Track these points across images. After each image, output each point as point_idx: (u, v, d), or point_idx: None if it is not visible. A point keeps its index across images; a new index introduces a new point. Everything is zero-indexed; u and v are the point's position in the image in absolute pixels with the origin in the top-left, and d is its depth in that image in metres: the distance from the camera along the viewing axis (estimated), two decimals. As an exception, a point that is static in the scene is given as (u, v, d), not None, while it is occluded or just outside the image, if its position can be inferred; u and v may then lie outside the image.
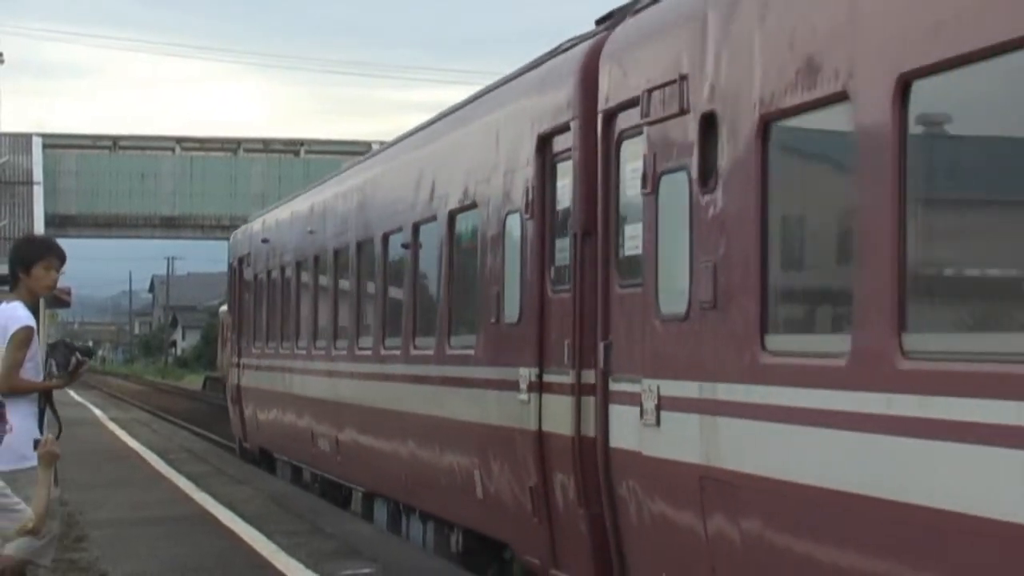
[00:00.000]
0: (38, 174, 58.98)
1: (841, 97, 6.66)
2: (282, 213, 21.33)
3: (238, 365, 23.79)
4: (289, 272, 20.01)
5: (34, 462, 7.79)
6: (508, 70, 10.25)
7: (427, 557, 12.90)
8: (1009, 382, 5.50)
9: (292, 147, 63.54)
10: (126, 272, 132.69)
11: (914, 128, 6.30)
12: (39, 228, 54.89)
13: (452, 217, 12.24)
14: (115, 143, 63.33)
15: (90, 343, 8.47)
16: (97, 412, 41.06)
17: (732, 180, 7.65)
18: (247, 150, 63.48)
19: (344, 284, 16.72)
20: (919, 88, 6.25)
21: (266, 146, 64.08)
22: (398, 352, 14.02)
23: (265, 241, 21.56)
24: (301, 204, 19.98)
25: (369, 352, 15.18)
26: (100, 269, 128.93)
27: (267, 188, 57.80)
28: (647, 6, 9.07)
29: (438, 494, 12.77)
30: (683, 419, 7.97)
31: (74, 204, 60.69)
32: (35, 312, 9.17)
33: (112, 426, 32.51)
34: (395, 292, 14.32)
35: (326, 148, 62.67)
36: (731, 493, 7.52)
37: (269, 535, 14.41)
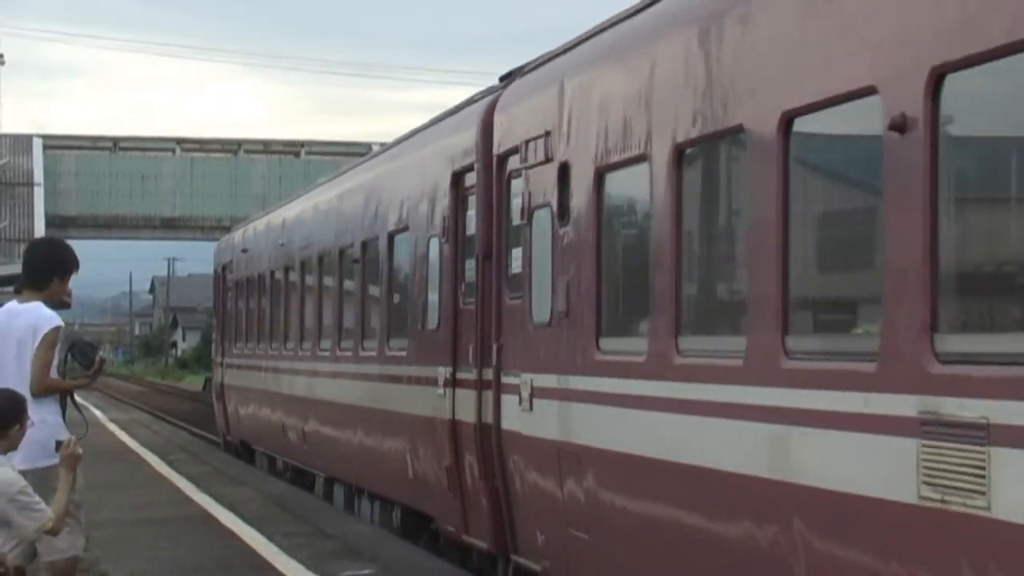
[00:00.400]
0: (39, 175, 60.65)
1: (642, 158, 8.95)
2: (259, 225, 23.79)
3: (221, 364, 26.40)
4: (264, 280, 22.45)
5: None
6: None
7: (427, 557, 13.38)
8: (733, 373, 7.77)
9: (292, 148, 65.27)
10: (126, 273, 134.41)
11: (688, 183, 8.59)
12: (39, 229, 56.54)
13: (391, 237, 14.65)
14: (115, 144, 64.67)
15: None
16: (97, 413, 41.07)
17: (579, 217, 9.95)
18: (248, 151, 65.04)
19: (309, 292, 19.07)
20: (691, 154, 8.52)
21: (267, 147, 65.67)
22: (350, 353, 16.48)
23: (244, 251, 24.13)
24: (275, 218, 22.42)
25: (328, 353, 17.65)
26: (100, 270, 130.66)
27: (268, 189, 59.51)
28: (531, 70, 11.43)
29: (381, 476, 15.12)
30: (547, 404, 10.32)
31: (74, 205, 62.02)
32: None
33: (112, 427, 32.84)
34: (349, 300, 16.73)
35: (326, 149, 64.44)
36: (577, 462, 9.85)
37: (270, 536, 14.72)
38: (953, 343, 6.16)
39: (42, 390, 8.94)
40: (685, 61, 8.37)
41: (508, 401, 11.15)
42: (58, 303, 9.13)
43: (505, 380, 11.22)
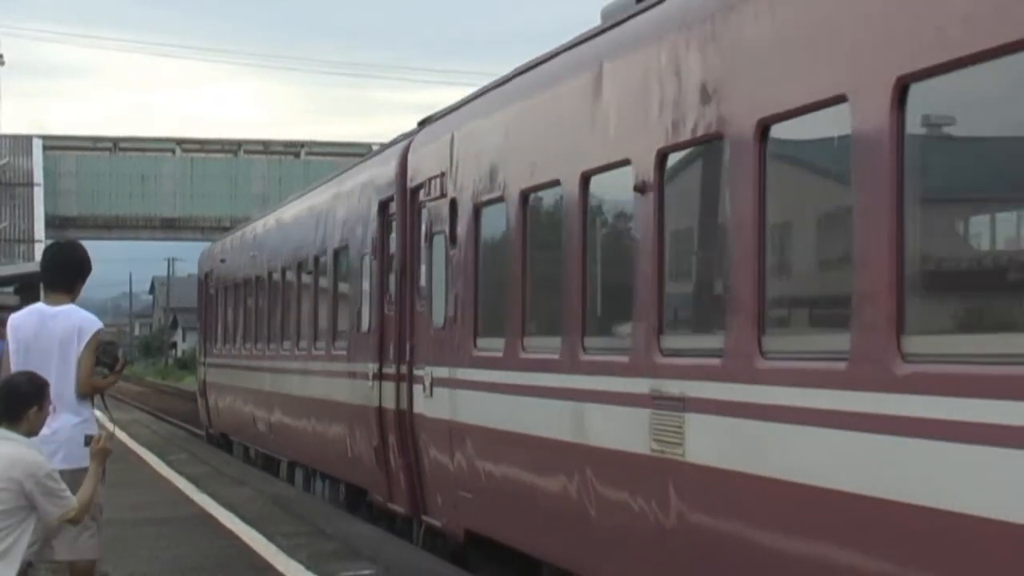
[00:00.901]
0: (38, 176, 61.98)
1: (501, 199, 11.85)
2: (236, 238, 27.21)
3: (204, 364, 29.95)
4: (239, 288, 25.89)
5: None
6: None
7: (427, 558, 13.99)
8: (553, 364, 10.64)
9: (292, 149, 67.29)
10: (126, 273, 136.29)
11: (531, 219, 11.48)
12: (40, 230, 58.80)
13: (336, 253, 17.88)
14: (115, 145, 66.43)
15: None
16: (97, 413, 45.04)
17: (463, 242, 12.88)
18: (247, 152, 66.91)
19: (275, 299, 22.28)
20: (533, 197, 11.43)
21: (266, 148, 67.65)
22: (305, 352, 19.65)
23: (223, 261, 27.62)
24: (248, 232, 25.76)
25: (289, 353, 20.84)
26: (100, 270, 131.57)
27: (267, 189, 61.55)
28: (435, 120, 14.41)
29: (329, 458, 18.27)
30: (442, 391, 13.31)
31: (74, 205, 63.39)
32: None
33: (112, 427, 34.46)
34: (305, 307, 19.88)
35: (326, 150, 66.36)
36: (461, 437, 12.79)
37: (269, 536, 15.09)
38: (669, 341, 9.05)
39: (89, 390, 9.40)
40: (527, 126, 11.34)
41: (417, 390, 14.12)
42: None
43: (416, 373, 14.20)
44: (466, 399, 12.63)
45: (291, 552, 14.01)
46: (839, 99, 6.83)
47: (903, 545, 6.46)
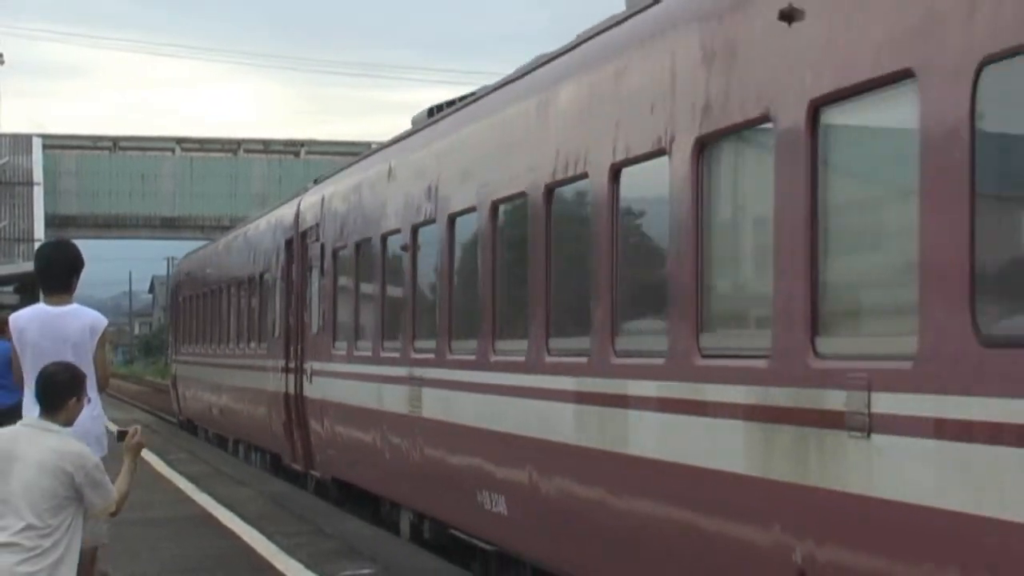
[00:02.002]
0: (38, 175, 64.70)
1: (346, 246, 18.61)
2: (199, 257, 34.42)
3: (175, 361, 37.72)
4: (199, 298, 33.16)
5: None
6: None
7: (427, 557, 15.09)
8: (370, 359, 17.28)
9: (292, 148, 70.58)
10: (126, 273, 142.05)
11: (362, 262, 18.22)
12: (39, 229, 61.22)
13: (261, 276, 24.67)
14: (115, 144, 69.46)
15: None
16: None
17: (327, 274, 19.54)
18: (247, 151, 70.07)
19: (224, 308, 29.32)
20: (365, 247, 18.18)
21: (266, 147, 70.83)
22: (242, 352, 26.54)
23: (188, 274, 35.20)
24: (210, 249, 32.86)
25: (231, 352, 27.79)
26: (100, 270, 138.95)
27: (267, 189, 64.36)
28: (318, 182, 21.26)
29: (258, 434, 25.00)
30: (317, 379, 19.80)
31: (74, 205, 66.47)
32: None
33: (112, 427, 38.72)
34: (244, 315, 26.86)
35: (326, 149, 69.36)
36: (328, 411, 19.44)
37: (269, 536, 16.15)
38: (554, 344, 14.60)
39: (106, 384, 10.06)
40: (366, 194, 17.96)
41: (306, 379, 20.81)
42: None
43: (305, 366, 20.87)
44: (329, 384, 19.11)
45: (291, 551, 14.89)
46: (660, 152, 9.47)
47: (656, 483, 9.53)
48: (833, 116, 7.79)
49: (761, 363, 8.30)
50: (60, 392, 8.37)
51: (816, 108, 7.85)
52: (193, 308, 34.38)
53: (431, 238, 14.97)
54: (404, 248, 15.57)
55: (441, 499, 14.47)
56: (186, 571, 14.24)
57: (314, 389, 19.92)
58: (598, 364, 10.51)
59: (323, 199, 19.60)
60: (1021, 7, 6.28)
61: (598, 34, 11.23)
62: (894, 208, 7.43)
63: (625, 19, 10.70)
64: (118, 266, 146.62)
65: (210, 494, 20.29)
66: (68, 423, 8.37)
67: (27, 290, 37.83)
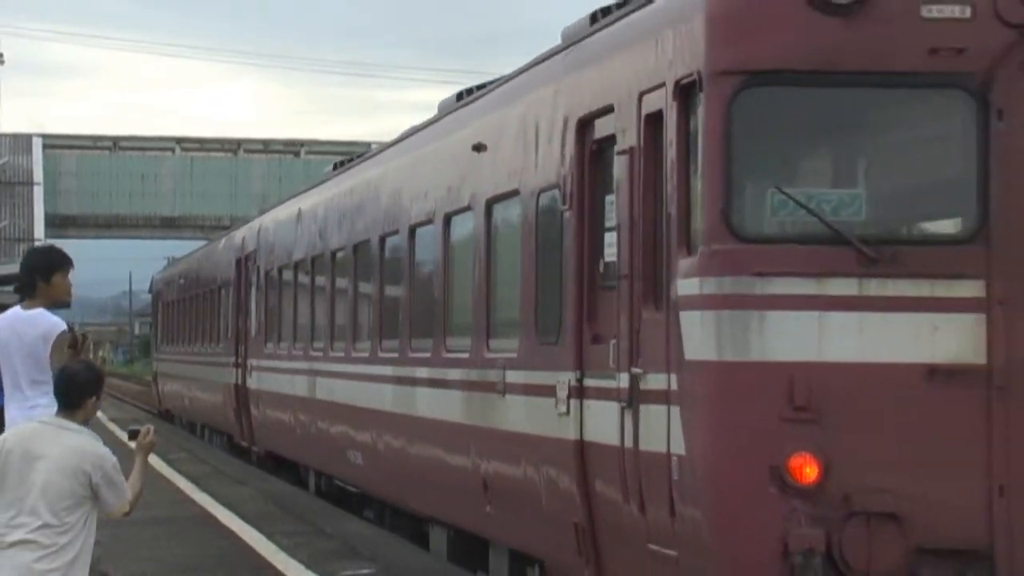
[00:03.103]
0: (38, 175, 67.58)
1: (277, 270, 24.98)
2: (176, 269, 41.40)
3: (156, 359, 44.76)
4: (173, 304, 40.43)
5: None
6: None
7: (427, 557, 15.92)
8: (282, 356, 23.67)
9: (292, 148, 73.63)
10: (126, 272, 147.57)
11: (283, 283, 24.57)
12: (39, 229, 64.04)
13: (219, 288, 31.00)
14: (115, 144, 72.62)
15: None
16: (97, 412, 56.34)
17: (261, 290, 25.75)
18: (247, 151, 73.10)
19: (191, 314, 36.08)
20: (286, 271, 24.51)
21: (266, 147, 73.93)
22: (207, 350, 32.97)
23: (167, 284, 42.04)
24: (182, 264, 39.99)
25: (197, 350, 34.36)
26: (100, 270, 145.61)
27: (267, 188, 66.21)
28: (259, 214, 27.67)
29: (216, 420, 31.43)
30: (255, 373, 26.21)
31: (74, 205, 69.46)
32: None
33: (112, 427, 36.16)
34: (207, 322, 33.32)
35: (326, 149, 71.05)
36: (261, 398, 25.60)
37: (269, 535, 16.79)
38: (383, 344, 21.97)
39: None
40: (284, 230, 24.17)
41: (248, 374, 27.40)
42: (60, 303, 10.56)
43: (248, 363, 27.37)
44: (262, 377, 25.47)
45: (291, 551, 15.54)
46: (467, 208, 14.58)
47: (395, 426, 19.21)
48: (496, 209, 14.07)
49: (469, 355, 14.58)
50: (81, 391, 8.77)
51: (490, 203, 14.04)
52: (170, 313, 41.58)
53: (319, 268, 21.20)
54: (304, 273, 21.93)
55: (328, 459, 20.76)
56: (186, 571, 14.83)
57: (253, 381, 26.27)
58: (401, 359, 16.87)
59: (259, 230, 26.02)
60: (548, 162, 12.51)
61: (420, 129, 17.58)
62: (516, 264, 13.67)
63: (425, 126, 17.05)
64: (118, 266, 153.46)
65: (210, 494, 21.34)
66: (86, 422, 8.82)
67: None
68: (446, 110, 16.42)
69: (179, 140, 74.99)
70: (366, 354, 18.16)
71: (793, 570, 9.41)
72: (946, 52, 9.64)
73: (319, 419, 20.76)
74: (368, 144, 71.09)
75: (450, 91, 13.44)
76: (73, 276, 10.84)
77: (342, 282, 19.64)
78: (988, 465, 9.60)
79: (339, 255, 19.87)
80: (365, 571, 14.63)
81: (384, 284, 17.54)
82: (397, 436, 16.72)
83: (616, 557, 11.25)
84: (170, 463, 26.50)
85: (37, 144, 70.20)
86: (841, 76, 9.73)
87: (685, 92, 10.03)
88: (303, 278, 21.97)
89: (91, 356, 11.38)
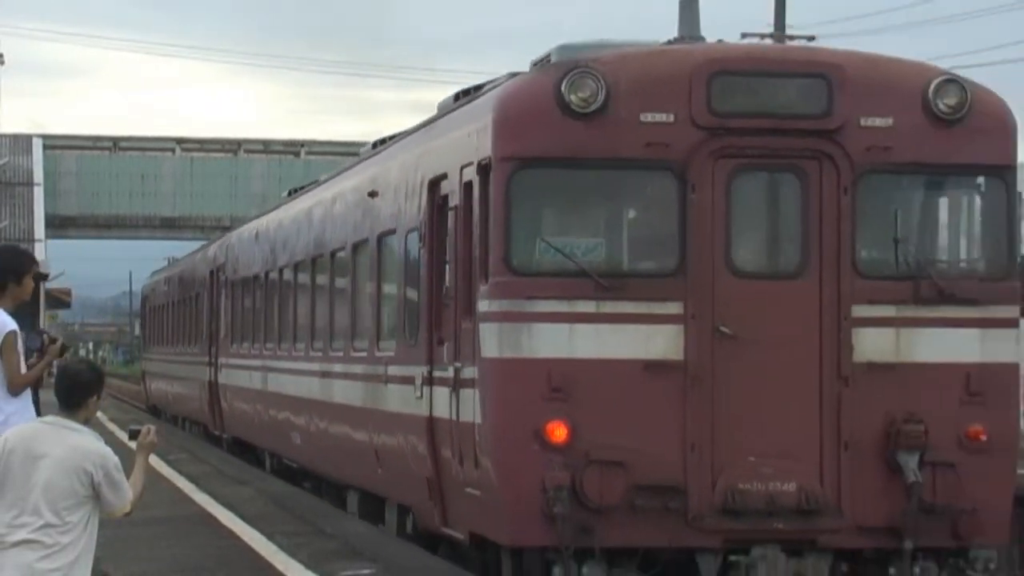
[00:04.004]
0: (38, 175, 69.81)
1: (241, 282, 30.50)
2: (160, 278, 47.37)
3: (144, 358, 50.46)
4: (160, 310, 46.07)
5: None
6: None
7: (428, 557, 16.52)
8: (254, 355, 29.21)
9: (292, 148, 76.23)
10: (126, 273, 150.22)
11: (245, 293, 30.07)
12: (39, 229, 66.51)
13: (196, 295, 36.25)
14: (115, 144, 75.11)
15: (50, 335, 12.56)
16: (97, 412, 59.91)
17: (228, 298, 31.03)
18: (247, 151, 75.70)
19: (173, 318, 41.70)
20: (244, 283, 30.00)
21: (266, 147, 76.64)
22: (187, 350, 38.44)
23: (153, 291, 47.53)
24: (164, 274, 45.84)
25: (179, 350, 39.80)
26: (100, 270, 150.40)
27: (267, 189, 67.37)
28: (228, 232, 33.22)
29: (195, 412, 36.84)
30: (224, 370, 31.18)
31: (75, 205, 71.92)
32: (27, 315, 11.69)
33: (112, 426, 37.91)
34: (187, 326, 38.87)
35: (326, 149, 74.64)
36: (228, 391, 30.69)
37: (269, 536, 17.29)
38: (314, 346, 27.41)
39: (20, 387, 11.31)
40: (245, 247, 29.39)
41: (219, 371, 32.81)
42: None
43: (219, 361, 32.59)
44: (229, 373, 30.69)
45: (291, 551, 15.99)
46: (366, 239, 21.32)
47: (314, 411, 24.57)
48: (384, 242, 19.37)
49: (365, 355, 20.00)
50: (83, 390, 9.14)
51: (380, 237, 19.53)
52: (155, 318, 47.40)
53: (271, 281, 26.63)
54: (259, 286, 27.38)
55: (277, 441, 26.09)
56: (186, 571, 15.26)
57: (223, 377, 31.55)
58: (324, 357, 22.32)
59: (227, 246, 31.49)
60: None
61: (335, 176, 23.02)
62: (395, 284, 19.04)
63: (341, 172, 22.49)
64: (118, 266, 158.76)
65: (210, 494, 22.12)
66: (87, 421, 9.14)
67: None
68: (365, 156, 21.79)
69: (179, 140, 77.44)
70: (302, 353, 23.51)
71: (548, 501, 14.46)
72: (657, 146, 14.72)
73: (270, 408, 26.09)
74: (368, 144, 76.63)
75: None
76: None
77: (287, 293, 25.00)
78: (683, 429, 14.56)
79: (284, 271, 25.24)
80: (365, 571, 15.39)
81: (315, 296, 22.86)
82: (322, 419, 22.02)
83: (451, 500, 16.44)
84: (170, 463, 27.55)
85: (37, 144, 72.30)
86: (585, 161, 14.75)
87: (484, 170, 15.17)
88: (259, 289, 27.37)
89: (57, 358, 11.80)
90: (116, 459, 9.10)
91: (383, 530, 19.09)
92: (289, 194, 27.08)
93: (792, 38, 52.51)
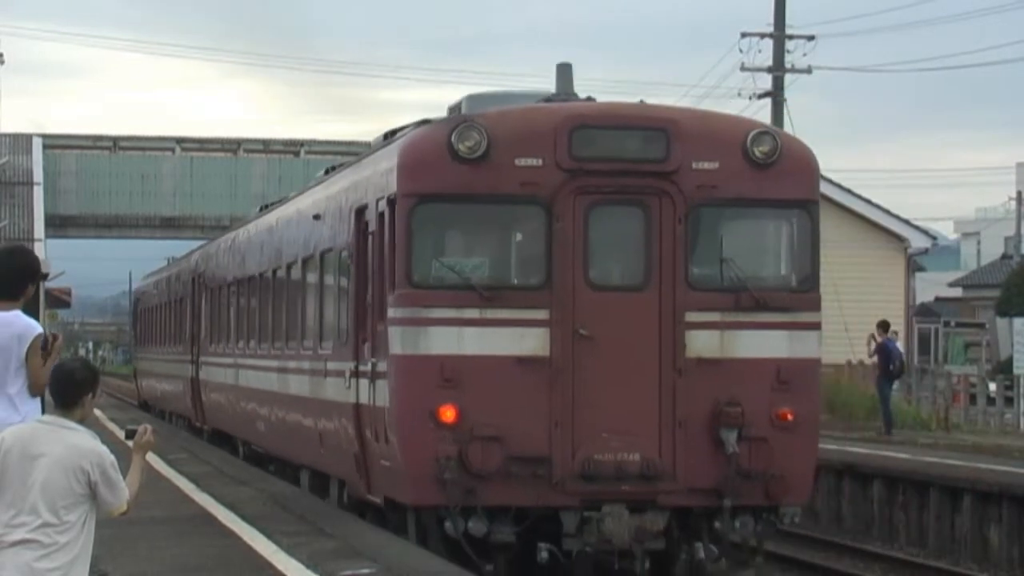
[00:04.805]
0: (38, 174, 70.57)
1: (217, 288, 35.31)
2: (150, 283, 51.76)
3: (136, 358, 55.18)
4: (151, 311, 50.33)
5: None
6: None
7: (428, 557, 17.08)
8: (229, 355, 33.99)
9: (292, 148, 76.90)
10: (126, 272, 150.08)
11: (221, 297, 34.88)
12: (39, 229, 67.15)
13: (181, 299, 40.61)
14: (115, 144, 75.79)
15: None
16: (96, 412, 44.17)
17: (207, 303, 35.57)
18: (247, 150, 76.19)
19: (160, 320, 46.31)
20: (221, 290, 34.83)
21: (266, 147, 77.20)
22: (173, 350, 42.93)
23: (144, 293, 52.02)
24: (153, 279, 50.36)
25: (166, 350, 44.28)
26: (100, 269, 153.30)
27: (267, 189, 68.11)
28: (208, 243, 38.04)
29: (180, 407, 41.33)
30: (205, 368, 35.51)
31: (74, 204, 72.88)
32: (28, 315, 11.70)
33: (112, 426, 38.54)
34: (173, 327, 43.45)
35: (326, 149, 74.29)
36: (208, 386, 34.79)
37: (270, 535, 17.74)
38: (277, 345, 32.05)
39: (41, 389, 11.38)
40: (220, 259, 33.80)
41: (200, 368, 37.34)
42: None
43: (200, 359, 36.78)
44: (208, 370, 34.83)
45: (291, 551, 16.31)
46: (312, 255, 27.76)
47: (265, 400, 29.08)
48: (325, 258, 23.80)
49: (311, 352, 24.78)
50: (78, 389, 9.36)
51: (322, 254, 24.16)
52: (146, 319, 51.92)
53: (242, 288, 31.07)
54: (233, 291, 32.13)
55: (247, 429, 30.53)
56: (186, 571, 15.56)
57: (203, 373, 35.94)
58: (282, 354, 27.14)
59: (207, 255, 36.23)
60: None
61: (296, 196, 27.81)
62: (333, 293, 23.78)
63: (299, 194, 27.29)
64: (118, 266, 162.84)
65: (210, 494, 22.65)
66: (83, 419, 9.34)
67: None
68: (317, 181, 26.36)
69: (179, 140, 77.98)
70: (265, 351, 28.20)
71: (440, 469, 18.59)
72: (529, 184, 18.85)
73: (241, 400, 30.66)
74: (368, 144, 78.53)
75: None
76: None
77: (253, 299, 29.64)
78: (549, 411, 18.54)
79: (252, 279, 29.90)
80: (365, 571, 15.74)
81: (275, 302, 27.60)
82: (280, 409, 26.56)
83: (373, 471, 20.75)
84: (170, 463, 28.20)
85: (37, 144, 72.90)
86: (471, 197, 18.79)
87: (391, 203, 19.63)
88: (232, 295, 32.06)
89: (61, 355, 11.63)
90: (112, 458, 9.29)
91: (331, 501, 23.09)
92: (260, 210, 31.68)
93: (792, 38, 56.64)
